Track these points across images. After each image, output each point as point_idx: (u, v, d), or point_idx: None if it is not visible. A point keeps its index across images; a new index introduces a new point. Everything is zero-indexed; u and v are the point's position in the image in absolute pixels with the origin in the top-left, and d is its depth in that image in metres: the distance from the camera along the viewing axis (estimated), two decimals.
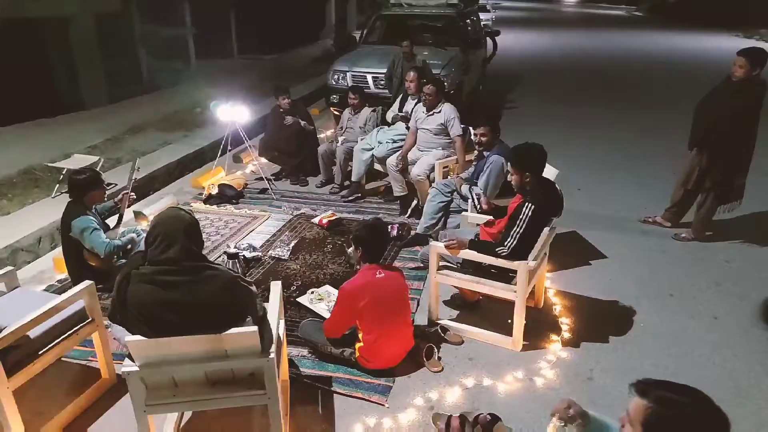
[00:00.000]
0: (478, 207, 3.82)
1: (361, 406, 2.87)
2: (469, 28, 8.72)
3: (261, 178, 5.98)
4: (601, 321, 3.62)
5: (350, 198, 5.49)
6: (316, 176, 6.05)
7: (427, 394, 2.95)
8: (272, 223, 5.01)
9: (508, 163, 3.30)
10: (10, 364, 2.46)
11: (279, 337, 2.65)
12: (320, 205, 5.42)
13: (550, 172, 3.96)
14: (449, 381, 3.05)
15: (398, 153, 5.06)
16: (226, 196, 5.51)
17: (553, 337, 3.43)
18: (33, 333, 2.59)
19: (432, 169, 4.76)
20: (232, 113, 5.60)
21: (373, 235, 3.02)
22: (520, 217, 3.05)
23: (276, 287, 2.76)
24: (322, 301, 3.72)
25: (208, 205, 5.40)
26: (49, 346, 2.66)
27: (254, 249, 4.43)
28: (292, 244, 4.52)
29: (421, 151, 4.99)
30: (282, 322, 2.82)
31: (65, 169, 5.63)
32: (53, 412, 2.73)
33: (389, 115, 5.81)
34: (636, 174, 6.40)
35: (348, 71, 7.32)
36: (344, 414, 2.82)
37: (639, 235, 4.88)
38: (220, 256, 4.29)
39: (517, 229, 3.06)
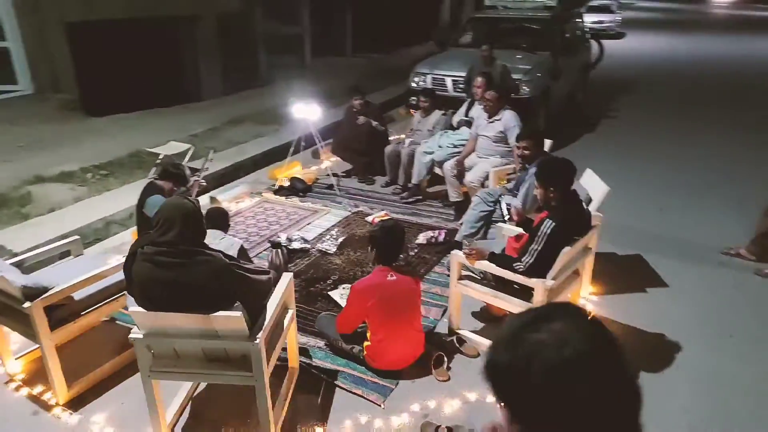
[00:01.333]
0: (507, 218, 3.72)
1: (359, 403, 2.95)
2: (566, 32, 8.34)
3: (335, 174, 6.23)
4: (637, 353, 3.36)
5: (409, 200, 5.54)
6: (384, 176, 6.17)
7: (426, 401, 2.95)
8: (330, 218, 5.21)
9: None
10: (55, 320, 2.85)
11: (281, 325, 2.82)
12: (379, 204, 5.53)
13: (599, 188, 3.76)
14: (452, 392, 3.02)
15: (456, 158, 5.02)
16: (295, 189, 5.81)
17: None
18: (78, 295, 2.96)
19: (487, 177, 4.69)
20: (306, 111, 5.87)
21: (387, 237, 3.07)
22: (539, 233, 2.95)
23: (286, 278, 2.90)
24: None
25: (277, 196, 5.73)
26: (92, 308, 3.03)
27: (305, 241, 4.64)
28: (341, 239, 4.68)
29: (480, 158, 4.92)
30: (291, 312, 2.97)
31: (161, 154, 6.25)
32: (94, 367, 3.09)
33: (455, 120, 5.77)
34: (729, 201, 5.78)
35: (429, 73, 7.35)
36: (340, 408, 2.91)
37: (714, 267, 4.43)
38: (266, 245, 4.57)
39: (535, 246, 2.95)
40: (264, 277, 2.80)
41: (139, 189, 5.89)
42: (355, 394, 3.00)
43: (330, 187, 5.96)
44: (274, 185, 6.02)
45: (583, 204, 3.12)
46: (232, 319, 2.30)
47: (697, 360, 3.31)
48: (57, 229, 4.91)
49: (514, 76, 6.75)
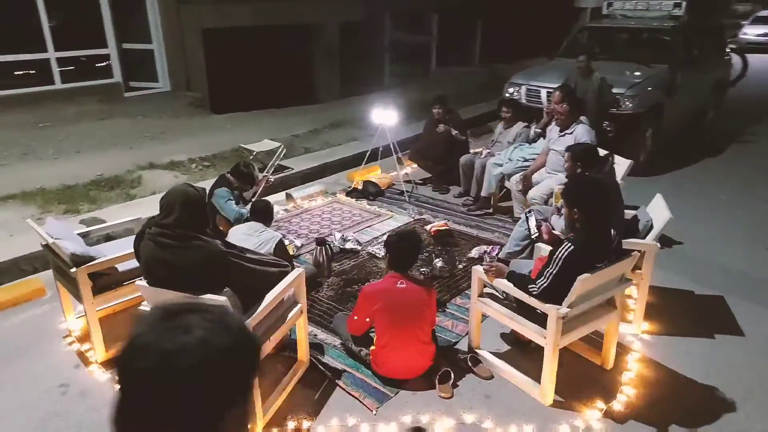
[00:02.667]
0: (535, 235, 3.46)
1: (353, 405, 2.94)
2: (693, 43, 7.54)
3: (408, 181, 6.27)
4: (675, 406, 2.97)
5: (476, 212, 5.38)
6: (460, 186, 6.06)
7: (420, 415, 2.87)
8: (391, 223, 5.24)
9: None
10: (99, 286, 3.21)
11: (284, 317, 2.91)
12: (445, 213, 5.44)
13: (662, 215, 3.39)
14: (450, 411, 2.90)
15: (523, 172, 4.79)
16: (367, 192, 5.92)
17: (600, 404, 2.95)
18: (122, 267, 3.31)
19: (551, 195, 4.41)
20: (383, 116, 5.96)
21: (400, 243, 3.03)
22: (555, 256, 2.72)
23: (295, 272, 2.98)
24: None
25: (348, 198, 5.89)
26: (132, 280, 3.36)
27: (359, 243, 4.72)
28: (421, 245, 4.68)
29: (549, 173, 4.64)
30: (299, 305, 3.04)
31: (255, 150, 6.72)
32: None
33: (532, 133, 5.50)
34: None
35: (523, 84, 7.07)
36: (334, 406, 2.93)
37: None
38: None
39: (551, 269, 2.73)
40: (274, 269, 2.91)
41: None
42: (352, 395, 2.99)
43: (402, 193, 5.98)
44: (349, 187, 6.18)
45: (612, 231, 2.81)
46: (217, 302, 2.42)
47: (744, 424, 2.84)
48: (151, 210, 5.48)
49: (617, 90, 6.26)
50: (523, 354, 3.35)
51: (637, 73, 6.70)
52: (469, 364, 3.18)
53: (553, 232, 3.35)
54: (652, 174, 6.68)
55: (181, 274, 2.47)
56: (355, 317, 3.11)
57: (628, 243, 3.31)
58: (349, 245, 4.67)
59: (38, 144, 7.33)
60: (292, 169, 6.87)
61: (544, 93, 6.78)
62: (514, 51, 16.03)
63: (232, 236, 3.80)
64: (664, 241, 4.88)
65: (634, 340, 3.49)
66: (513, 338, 3.45)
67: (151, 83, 10.11)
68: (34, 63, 8.63)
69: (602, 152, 4.67)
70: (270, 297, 2.72)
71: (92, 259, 3.14)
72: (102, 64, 9.33)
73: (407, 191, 5.97)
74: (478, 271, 3.15)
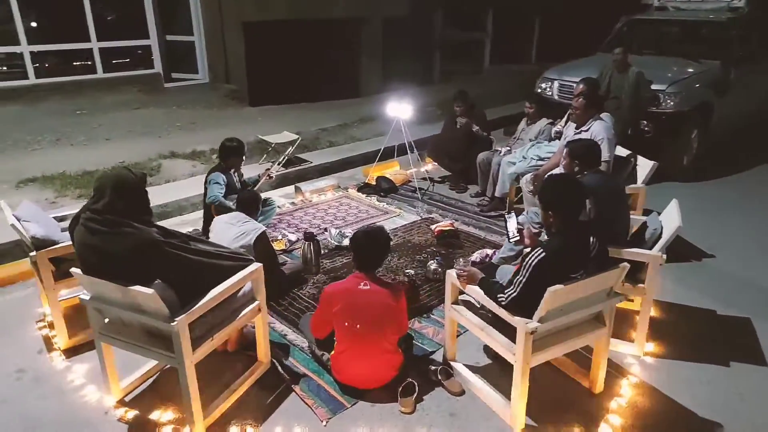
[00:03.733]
0: (514, 239, 3.12)
1: (305, 413, 2.73)
2: (754, 38, 6.84)
3: (426, 178, 6.00)
4: None
5: (488, 213, 5.05)
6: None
7: (374, 429, 2.62)
8: (397, 221, 4.99)
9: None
10: (62, 272, 3.14)
11: (237, 313, 2.73)
12: (455, 213, 5.14)
13: (672, 223, 2.99)
14: (408, 427, 2.64)
15: (535, 172, 4.43)
16: (379, 188, 5.70)
17: (577, 429, 2.61)
18: None
19: None
20: (398, 109, 5.72)
21: (364, 242, 2.79)
22: (525, 262, 2.41)
23: (252, 267, 2.80)
24: None
25: (359, 193, 5.68)
26: None
27: None
28: (390, 243, 4.44)
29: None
30: (257, 303, 2.86)
31: (273, 142, 6.63)
32: None
33: (552, 130, 5.09)
34: None
35: (556, 80, 6.62)
36: (284, 412, 2.74)
37: None
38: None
39: (520, 277, 2.42)
40: (229, 263, 2.75)
41: (248, 170, 6.41)
42: (305, 403, 2.79)
43: (415, 190, 5.71)
44: (363, 182, 5.98)
45: (591, 238, 2.45)
46: (144, 294, 2.28)
47: None
48: (157, 198, 5.48)
49: (656, 87, 5.73)
50: (504, 370, 3.01)
51: (683, 69, 6.13)
52: (439, 377, 2.90)
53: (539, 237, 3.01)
54: (696, 180, 6.11)
55: (112, 262, 2.33)
56: (316, 318, 2.90)
57: (628, 253, 2.94)
58: (346, 242, 4.46)
59: (72, 130, 7.54)
60: (311, 162, 6.74)
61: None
62: (573, 48, 15.34)
63: (214, 225, 3.69)
64: (694, 253, 4.40)
65: (634, 362, 3.10)
66: (494, 352, 3.13)
67: (191, 75, 10.28)
68: (79, 53, 8.92)
69: (624, 153, 4.27)
70: (215, 291, 2.54)
71: (54, 243, 3.07)
72: (140, 53, 9.54)
73: (421, 189, 5.70)
74: (451, 275, 2.86)
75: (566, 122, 4.87)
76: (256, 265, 2.83)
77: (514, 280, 2.46)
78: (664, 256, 2.92)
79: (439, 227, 4.63)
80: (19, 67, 8.31)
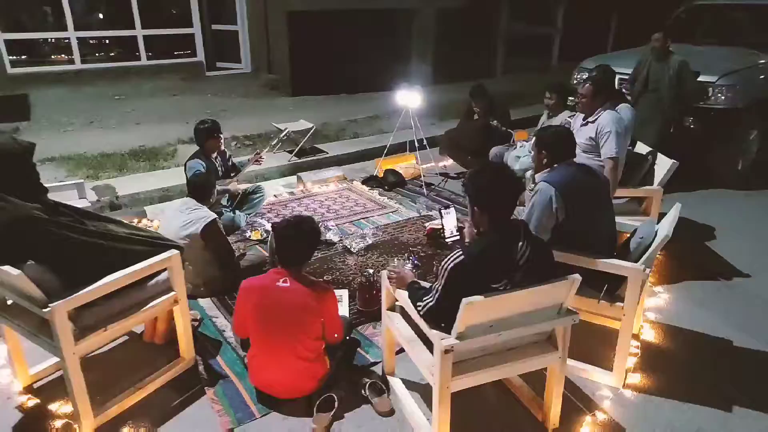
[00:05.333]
0: (451, 239, 2.66)
1: (210, 419, 2.45)
2: None
3: (442, 173, 5.61)
4: None
5: None
6: None
7: None
8: (392, 217, 4.62)
9: None
10: None
11: (142, 303, 2.50)
12: (460, 212, 4.68)
13: (663, 231, 2.46)
14: None
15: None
16: (385, 181, 5.35)
17: None
18: None
19: None
20: (407, 98, 5.33)
21: (286, 233, 2.46)
22: (442, 265, 1.99)
23: (166, 254, 2.55)
24: None
25: (363, 186, 5.35)
26: None
27: (342, 234, 4.20)
28: (373, 240, 4.09)
29: None
30: (173, 294, 2.61)
31: (287, 129, 6.43)
32: None
33: (563, 122, 4.51)
34: None
35: (594, 69, 5.94)
36: (189, 416, 2.48)
37: None
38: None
39: (437, 283, 2.01)
40: (140, 248, 2.51)
41: (267, 162, 6.25)
42: (213, 408, 2.50)
43: (423, 185, 5.31)
44: (372, 174, 5.65)
45: (520, 243, 1.97)
46: (12, 276, 2.07)
47: None
48: (162, 181, 5.42)
49: (707, 78, 5.00)
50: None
51: (742, 60, 5.33)
52: (367, 393, 2.53)
53: None
54: (751, 188, 5.29)
55: None
56: (235, 314, 2.60)
57: (604, 264, 2.44)
58: (329, 235, 4.16)
59: (106, 114, 7.71)
60: (327, 153, 6.48)
61: (615, 80, 5.65)
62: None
63: (164, 211, 3.50)
64: (726, 271, 3.74)
65: (609, 395, 2.58)
66: None
67: (235, 64, 10.33)
68: (124, 39, 9.15)
69: (644, 149, 3.69)
70: (109, 278, 2.31)
71: None
72: (185, 42, 9.64)
73: (431, 184, 5.30)
74: (385, 276, 2.48)
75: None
76: (171, 252, 2.57)
77: (433, 286, 2.05)
78: (648, 271, 2.39)
79: (432, 226, 4.22)
80: (67, 53, 8.61)
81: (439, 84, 10.86)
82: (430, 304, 2.04)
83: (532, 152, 2.80)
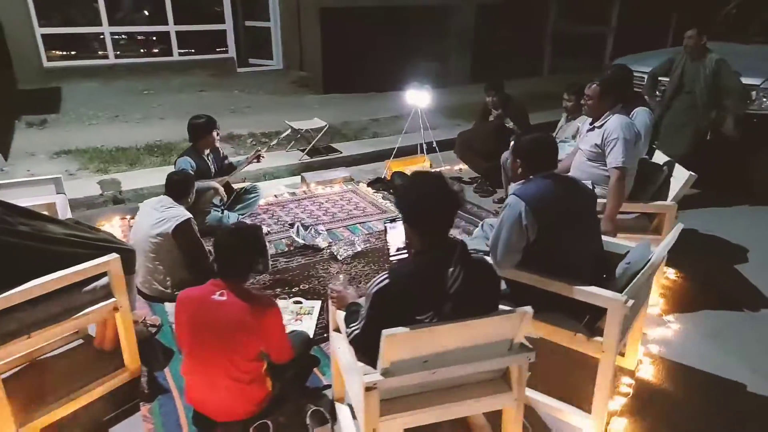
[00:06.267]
0: (396, 256, 2.35)
1: None
2: None
3: (456, 178, 5.32)
4: None
5: None
6: None
7: None
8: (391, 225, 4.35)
9: None
10: None
11: (75, 309, 2.35)
12: (463, 219, 4.38)
13: (657, 255, 2.12)
14: None
15: None
16: (391, 184, 5.09)
17: None
18: None
19: None
20: (416, 97, 5.05)
21: (225, 241, 2.25)
22: (368, 289, 1.72)
23: (104, 259, 2.39)
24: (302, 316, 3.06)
25: (368, 188, 5.11)
26: None
27: (331, 239, 3.98)
28: (360, 248, 3.84)
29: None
30: (113, 300, 2.45)
31: (302, 128, 6.27)
32: None
33: (574, 127, 4.12)
34: None
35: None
36: (120, 431, 2.31)
37: None
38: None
39: (363, 310, 1.75)
40: (80, 250, 2.37)
41: (277, 160, 6.14)
42: (144, 427, 2.33)
43: None
44: (381, 176, 5.40)
45: (451, 269, 1.67)
46: None
47: None
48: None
49: (748, 80, 4.47)
50: None
51: None
52: (308, 421, 2.29)
53: None
54: None
55: None
56: (175, 328, 2.42)
57: (579, 292, 2.10)
58: (318, 240, 3.94)
59: (132, 108, 7.78)
60: (340, 152, 6.28)
61: (649, 80, 5.17)
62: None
63: (140, 209, 3.38)
64: (752, 301, 3.28)
65: None
66: None
67: (266, 61, 10.29)
68: (157, 35, 9.25)
69: (662, 159, 3.29)
70: (32, 283, 2.16)
71: None
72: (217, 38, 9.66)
73: None
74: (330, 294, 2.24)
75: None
76: (110, 257, 2.41)
77: (361, 311, 1.79)
78: (630, 302, 2.04)
79: None
80: (101, 47, 8.77)
81: (479, 83, 10.46)
82: (356, 332, 1.78)
83: (509, 159, 2.48)
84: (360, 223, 4.34)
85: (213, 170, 4.19)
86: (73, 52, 8.81)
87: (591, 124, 3.22)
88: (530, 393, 2.40)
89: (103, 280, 2.45)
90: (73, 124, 7.15)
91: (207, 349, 2.20)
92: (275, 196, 4.93)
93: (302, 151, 6.11)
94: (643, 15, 13.54)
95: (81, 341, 2.89)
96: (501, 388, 1.94)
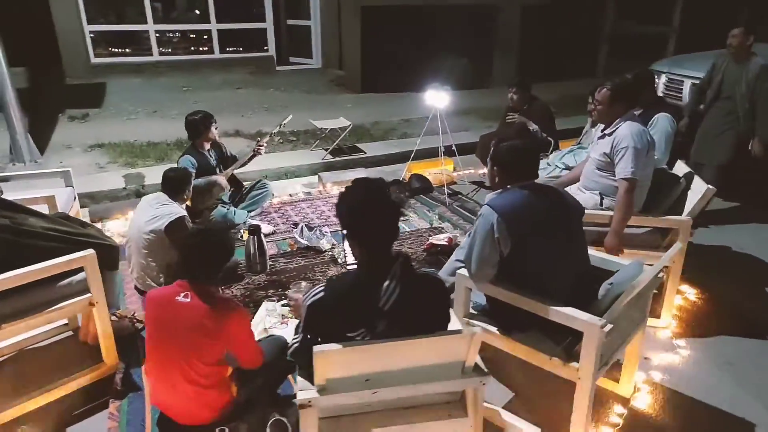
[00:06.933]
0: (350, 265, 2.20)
1: None
2: None
3: (477, 182, 5.16)
4: None
5: None
6: None
7: None
8: (402, 227, 4.24)
9: None
10: None
11: (50, 303, 2.37)
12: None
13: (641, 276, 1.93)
14: None
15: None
16: (408, 186, 4.98)
17: None
18: None
19: None
20: (435, 98, 4.90)
21: (192, 241, 2.20)
22: (303, 302, 1.62)
23: (78, 255, 2.39)
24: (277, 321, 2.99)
25: None
26: None
27: (334, 242, 3.91)
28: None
29: (580, 190, 3.14)
30: (88, 296, 2.46)
31: (327, 128, 6.24)
32: None
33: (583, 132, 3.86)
34: None
35: (665, 73, 5.12)
36: (84, 427, 2.33)
37: None
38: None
39: (301, 321, 1.65)
40: (54, 244, 2.39)
41: (296, 156, 6.14)
42: (108, 424, 2.32)
43: (454, 194, 4.88)
44: (401, 178, 5.29)
45: (387, 283, 1.53)
46: None
47: None
48: None
49: None
50: None
51: None
52: (267, 431, 2.21)
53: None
54: None
55: None
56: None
57: (555, 313, 1.93)
58: (322, 242, 3.88)
59: (170, 105, 7.97)
60: (364, 152, 6.21)
61: (687, 85, 4.83)
62: None
63: (138, 205, 3.40)
64: None
65: None
66: None
67: (306, 59, 10.36)
68: (200, 33, 9.48)
69: (682, 170, 3.04)
70: (2, 276, 2.18)
71: None
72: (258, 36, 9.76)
73: (459, 194, 4.87)
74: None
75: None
76: (85, 252, 2.41)
77: (299, 324, 1.70)
78: (608, 327, 1.85)
79: (433, 241, 3.80)
80: (146, 45, 9.06)
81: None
82: (296, 344, 1.69)
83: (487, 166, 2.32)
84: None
85: (216, 166, 4.19)
86: (119, 50, 9.14)
87: (602, 131, 2.99)
88: (508, 417, 2.25)
89: (80, 275, 2.46)
90: (113, 119, 7.39)
91: (166, 350, 2.15)
92: (290, 195, 4.91)
93: (326, 150, 6.07)
94: (708, 14, 12.80)
95: (71, 333, 2.94)
96: (457, 413, 1.80)
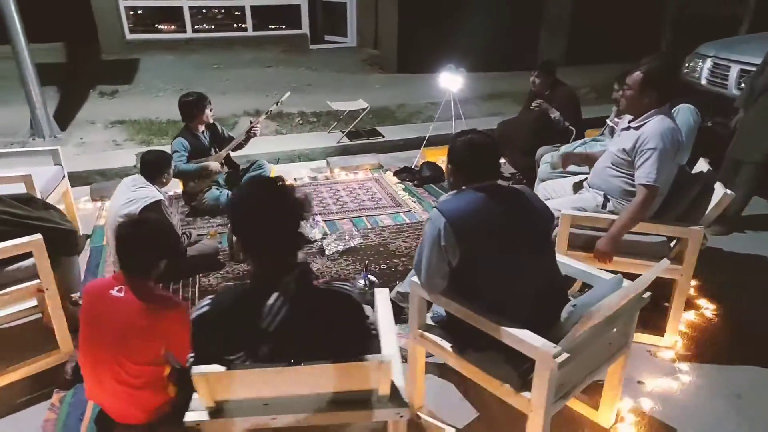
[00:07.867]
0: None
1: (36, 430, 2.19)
2: None
3: None
4: None
5: None
6: None
7: None
8: (400, 218, 4.01)
9: None
10: None
11: None
12: None
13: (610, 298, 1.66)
14: None
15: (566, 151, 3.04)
16: (418, 174, 4.72)
17: None
18: None
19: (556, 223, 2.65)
20: (449, 80, 4.60)
21: (123, 232, 2.06)
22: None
23: (27, 239, 2.31)
24: None
25: (393, 177, 4.78)
26: None
27: (325, 232, 3.73)
28: (355, 242, 3.55)
29: (590, 187, 2.80)
30: (37, 283, 2.38)
31: (346, 110, 6.02)
32: None
33: (607, 123, 3.47)
34: None
35: (711, 57, 4.58)
36: (21, 418, 2.25)
37: None
38: None
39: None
40: (3, 227, 2.31)
41: (311, 137, 5.97)
42: (46, 416, 2.24)
43: None
44: (413, 165, 5.03)
45: (273, 297, 1.31)
46: None
47: None
48: None
49: None
50: None
51: None
52: None
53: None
54: None
55: None
56: None
57: (506, 335, 1.68)
58: (314, 232, 3.70)
59: (200, 82, 7.92)
60: (382, 136, 5.97)
61: (734, 72, 4.31)
62: None
63: (118, 187, 3.31)
64: None
65: None
66: None
67: (341, 38, 10.14)
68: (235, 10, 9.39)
69: (704, 167, 2.69)
70: None
71: None
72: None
73: None
74: None
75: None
76: (32, 237, 2.32)
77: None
78: (564, 357, 1.58)
79: None
80: (180, 21, 9.06)
81: (575, 65, 9.56)
82: (191, 359, 1.51)
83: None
84: (367, 216, 4.02)
85: (210, 148, 4.07)
86: (154, 26, 9.18)
87: (629, 122, 2.62)
88: None
89: (29, 261, 2.38)
90: (141, 96, 7.43)
91: (96, 345, 2.04)
92: (295, 179, 4.75)
93: (343, 132, 5.87)
94: None
95: (40, 315, 2.89)
96: None
